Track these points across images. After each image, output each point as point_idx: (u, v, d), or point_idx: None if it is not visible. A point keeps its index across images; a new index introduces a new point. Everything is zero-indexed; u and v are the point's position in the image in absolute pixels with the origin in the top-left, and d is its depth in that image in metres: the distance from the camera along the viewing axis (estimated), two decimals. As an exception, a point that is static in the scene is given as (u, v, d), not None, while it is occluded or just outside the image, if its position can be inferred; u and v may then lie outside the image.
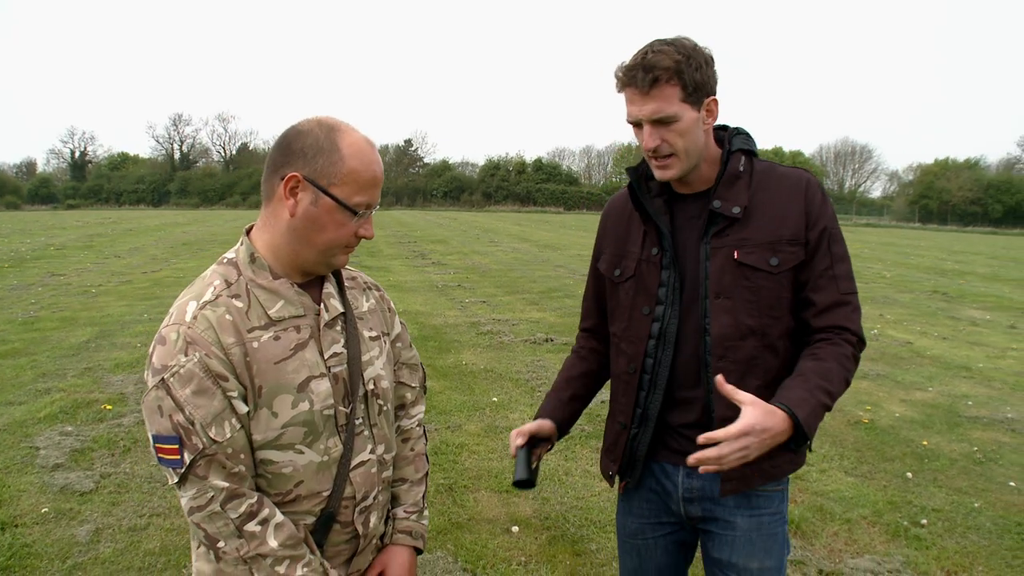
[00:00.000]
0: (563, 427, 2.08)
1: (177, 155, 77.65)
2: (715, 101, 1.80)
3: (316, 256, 1.52)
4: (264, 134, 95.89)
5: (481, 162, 75.94)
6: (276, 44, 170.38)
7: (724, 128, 1.93)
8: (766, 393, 1.72)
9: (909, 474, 5.04)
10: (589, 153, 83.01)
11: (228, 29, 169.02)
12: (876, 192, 77.42)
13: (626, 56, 1.78)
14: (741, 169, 1.84)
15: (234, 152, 79.11)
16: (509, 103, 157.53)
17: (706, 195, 1.86)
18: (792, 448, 1.68)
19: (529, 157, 73.64)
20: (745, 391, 1.65)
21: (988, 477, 5.05)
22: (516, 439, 1.92)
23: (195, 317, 1.43)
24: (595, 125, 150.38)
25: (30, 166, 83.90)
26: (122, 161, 78.28)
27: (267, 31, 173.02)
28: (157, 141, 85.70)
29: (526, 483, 1.86)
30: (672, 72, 1.71)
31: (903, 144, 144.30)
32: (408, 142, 76.83)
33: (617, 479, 2.09)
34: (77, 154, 78.13)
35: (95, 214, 49.12)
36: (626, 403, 1.97)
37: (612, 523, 4.17)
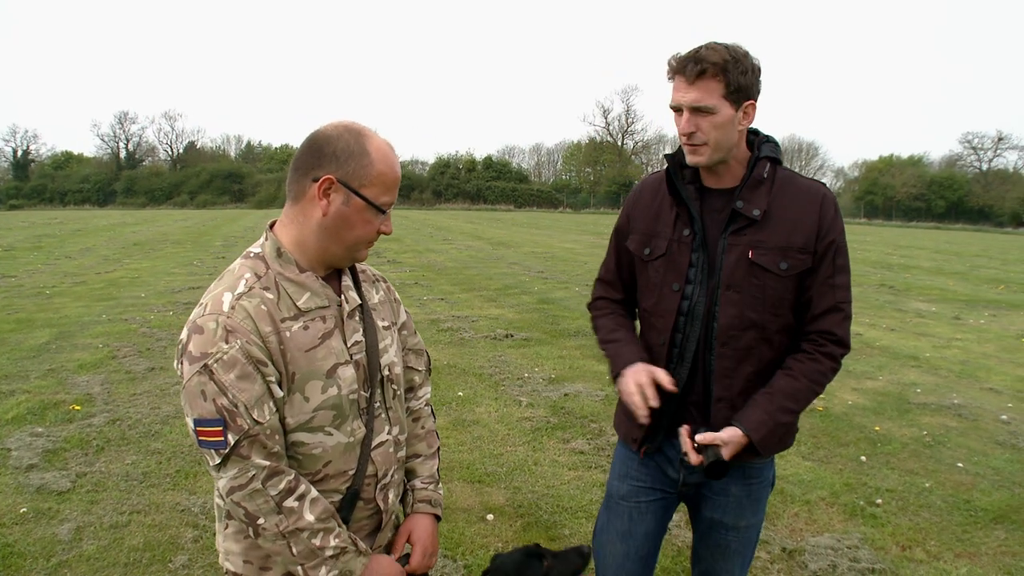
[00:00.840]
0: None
1: (123, 154, 75.90)
2: (753, 106, 1.96)
3: (343, 252, 1.64)
4: (211, 132, 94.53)
5: (431, 160, 75.87)
6: (222, 41, 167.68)
7: (756, 133, 2.09)
8: (757, 379, 2.02)
9: (863, 458, 5.29)
10: (539, 151, 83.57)
11: (174, 25, 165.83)
12: (823, 188, 78.81)
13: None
14: (765, 175, 2.00)
15: (181, 151, 77.72)
16: (458, 101, 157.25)
17: (731, 192, 2.02)
18: (757, 454, 1.99)
19: (479, 155, 73.88)
20: (740, 376, 2.00)
21: (937, 459, 5.31)
22: (649, 400, 1.97)
23: (232, 307, 1.52)
24: (545, 123, 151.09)
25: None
26: (66, 160, 76.29)
27: (212, 28, 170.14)
28: (102, 139, 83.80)
29: (719, 465, 1.91)
30: (719, 68, 1.87)
31: (848, 141, 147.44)
32: (358, 140, 76.15)
33: (638, 444, 2.22)
34: (19, 153, 75.91)
35: (41, 214, 47.92)
36: None
37: (583, 509, 4.32)
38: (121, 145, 76.56)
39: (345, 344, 1.65)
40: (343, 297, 1.68)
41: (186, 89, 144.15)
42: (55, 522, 4.04)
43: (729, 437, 1.93)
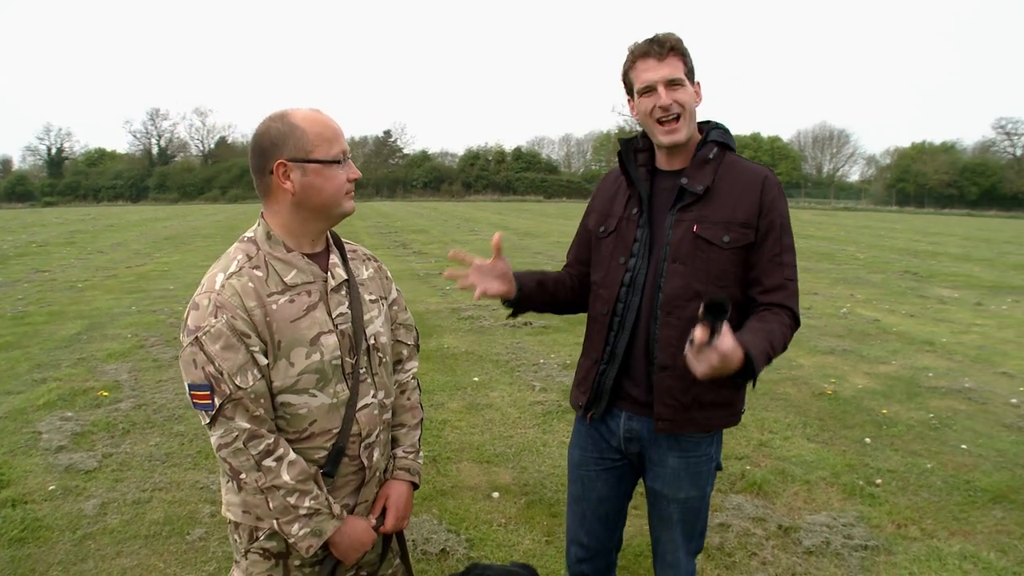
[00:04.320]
0: (523, 290, 2.29)
1: (155, 150, 76.81)
2: (699, 85, 2.18)
3: (326, 212, 1.82)
4: (243, 127, 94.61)
5: (460, 152, 76.10)
6: (253, 37, 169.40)
7: (707, 120, 2.26)
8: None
9: (867, 439, 5.36)
10: (568, 141, 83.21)
11: (204, 22, 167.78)
12: (854, 176, 77.70)
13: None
14: (711, 156, 2.17)
15: (212, 146, 78.43)
16: (487, 93, 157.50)
17: (680, 173, 2.18)
18: (736, 380, 1.93)
19: (508, 146, 73.94)
20: (684, 346, 1.93)
21: (942, 441, 5.37)
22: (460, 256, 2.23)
23: (223, 286, 1.72)
24: (574, 114, 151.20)
25: (5, 163, 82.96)
26: (99, 157, 77.47)
27: (244, 24, 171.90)
28: (134, 136, 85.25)
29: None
30: (679, 48, 2.10)
31: (880, 128, 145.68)
32: (387, 133, 76.88)
33: (584, 410, 2.37)
34: (54, 151, 77.20)
35: (74, 211, 48.91)
36: (598, 341, 2.28)
37: (588, 489, 4.45)
38: (153, 141, 77.57)
39: (329, 315, 1.83)
40: (329, 273, 1.86)
41: (216, 85, 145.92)
42: (81, 498, 4.26)
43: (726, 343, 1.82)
